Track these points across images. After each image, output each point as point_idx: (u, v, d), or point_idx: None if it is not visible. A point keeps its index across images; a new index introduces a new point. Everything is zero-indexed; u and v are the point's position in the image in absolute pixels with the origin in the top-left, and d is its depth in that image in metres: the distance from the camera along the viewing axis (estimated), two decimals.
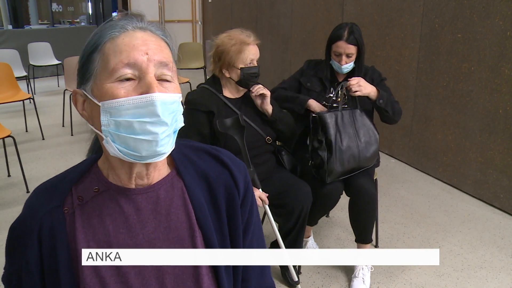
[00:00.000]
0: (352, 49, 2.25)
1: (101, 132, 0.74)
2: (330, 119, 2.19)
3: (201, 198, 0.84)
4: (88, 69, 0.75)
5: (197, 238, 0.81)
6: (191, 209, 0.83)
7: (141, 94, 0.71)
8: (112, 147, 0.73)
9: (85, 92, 0.76)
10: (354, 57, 2.28)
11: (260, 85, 2.09)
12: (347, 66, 2.28)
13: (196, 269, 0.81)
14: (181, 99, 0.78)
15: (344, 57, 2.26)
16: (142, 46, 0.73)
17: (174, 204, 0.82)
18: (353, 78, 2.19)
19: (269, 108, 2.11)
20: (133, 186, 0.80)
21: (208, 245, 0.82)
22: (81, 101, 0.78)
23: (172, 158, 0.86)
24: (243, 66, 2.02)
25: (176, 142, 0.78)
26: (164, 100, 0.72)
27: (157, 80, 0.74)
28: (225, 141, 2.02)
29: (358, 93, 2.17)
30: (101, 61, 0.74)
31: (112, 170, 0.80)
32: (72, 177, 0.81)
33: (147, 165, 0.79)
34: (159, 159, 0.76)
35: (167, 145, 0.75)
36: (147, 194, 0.81)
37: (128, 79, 0.72)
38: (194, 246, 0.81)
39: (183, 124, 0.79)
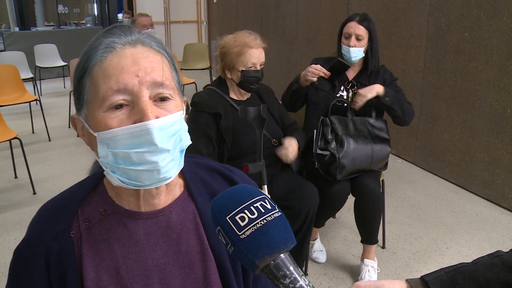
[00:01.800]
0: (362, 31, 2.22)
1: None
2: (338, 121, 2.19)
3: None
4: (81, 94, 0.71)
5: (209, 262, 0.78)
6: (203, 232, 0.80)
7: (135, 122, 0.66)
8: (114, 178, 0.70)
9: (81, 119, 0.73)
10: (364, 42, 2.24)
11: (284, 152, 2.07)
12: (356, 50, 2.23)
13: None
14: (183, 115, 0.73)
15: (353, 39, 2.23)
16: (132, 67, 0.67)
17: (185, 228, 0.79)
18: (362, 89, 2.20)
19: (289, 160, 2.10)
20: (142, 210, 0.77)
21: (221, 269, 0.79)
22: (80, 126, 0.74)
23: (184, 178, 0.83)
24: (244, 69, 2.01)
25: (186, 159, 0.74)
26: (161, 126, 0.67)
27: (154, 100, 0.69)
28: (232, 141, 2.01)
29: (358, 105, 2.20)
30: (92, 87, 0.69)
31: (118, 194, 0.77)
32: (77, 197, 0.78)
33: (156, 188, 0.75)
34: (165, 183, 0.72)
35: (173, 169, 0.71)
36: (157, 218, 0.77)
37: (120, 106, 0.67)
38: (205, 270, 0.78)
39: (190, 142, 0.74)
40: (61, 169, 3.88)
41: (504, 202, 3.16)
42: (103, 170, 0.78)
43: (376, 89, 2.18)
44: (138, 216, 0.76)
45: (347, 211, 3.00)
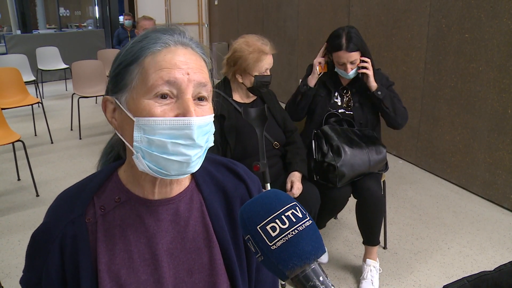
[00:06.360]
0: (354, 56, 2.24)
1: (132, 146, 0.73)
2: (330, 130, 2.22)
3: (219, 211, 0.85)
4: (123, 79, 0.75)
5: (214, 249, 0.83)
6: (209, 221, 0.84)
7: (177, 115, 0.71)
8: (142, 163, 0.73)
9: (117, 102, 0.76)
10: (358, 60, 2.27)
11: (294, 191, 2.08)
12: (353, 72, 2.28)
13: (213, 278, 0.82)
14: (213, 119, 0.78)
15: (348, 65, 2.25)
16: (183, 65, 0.73)
17: (193, 216, 0.84)
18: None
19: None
20: (155, 197, 0.81)
21: (225, 255, 0.83)
22: (111, 108, 0.78)
23: None
24: (257, 74, 2.05)
25: None
26: (200, 124, 0.72)
27: (194, 100, 0.74)
28: (235, 142, 2.04)
29: (364, 70, 2.25)
30: (140, 75, 0.73)
31: (136, 180, 0.81)
32: (93, 186, 0.81)
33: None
34: (186, 175, 0.76)
35: (197, 165, 0.76)
36: (167, 206, 0.82)
37: (165, 97, 0.71)
38: (211, 256, 0.82)
39: (212, 144, 0.78)
40: (63, 171, 3.89)
41: (505, 202, 3.17)
42: (116, 164, 0.83)
43: (372, 83, 2.27)
44: (151, 204, 0.81)
45: (348, 212, 3.01)
